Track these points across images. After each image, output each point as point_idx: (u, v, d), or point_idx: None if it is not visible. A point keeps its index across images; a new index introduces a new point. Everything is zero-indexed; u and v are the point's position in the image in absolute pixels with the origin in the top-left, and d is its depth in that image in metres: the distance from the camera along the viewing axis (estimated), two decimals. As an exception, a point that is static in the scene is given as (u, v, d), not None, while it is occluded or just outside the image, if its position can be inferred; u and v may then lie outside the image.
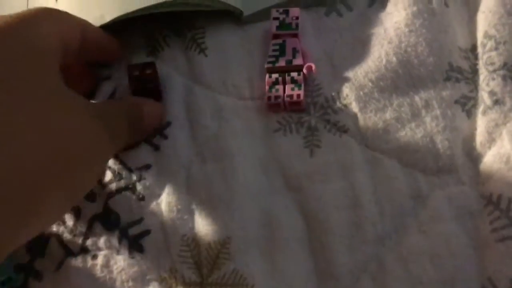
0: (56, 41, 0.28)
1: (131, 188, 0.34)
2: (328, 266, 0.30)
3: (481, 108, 0.33)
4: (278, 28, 0.37)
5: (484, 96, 0.33)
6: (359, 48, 0.36)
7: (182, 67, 0.37)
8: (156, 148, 0.34)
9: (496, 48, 0.34)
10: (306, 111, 0.35)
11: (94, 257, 0.33)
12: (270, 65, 0.36)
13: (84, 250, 0.33)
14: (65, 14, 0.31)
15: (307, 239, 0.31)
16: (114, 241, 0.33)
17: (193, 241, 0.32)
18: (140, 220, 0.33)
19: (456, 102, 0.33)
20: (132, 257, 0.32)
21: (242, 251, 0.31)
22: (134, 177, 0.34)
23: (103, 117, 0.28)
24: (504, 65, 0.33)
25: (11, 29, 0.25)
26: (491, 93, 0.33)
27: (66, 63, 0.29)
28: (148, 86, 0.35)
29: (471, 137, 0.32)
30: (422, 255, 0.29)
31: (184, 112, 0.36)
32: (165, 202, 0.33)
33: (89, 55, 0.34)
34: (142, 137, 0.35)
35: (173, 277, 0.32)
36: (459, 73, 0.34)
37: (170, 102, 0.36)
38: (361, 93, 0.34)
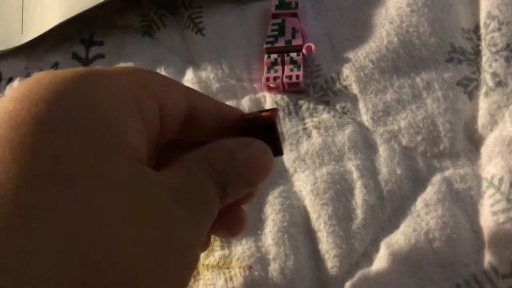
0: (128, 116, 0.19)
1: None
2: (327, 249, 0.29)
3: (483, 90, 0.32)
4: (277, 7, 0.36)
5: (486, 78, 0.32)
6: (360, 29, 0.35)
7: (178, 47, 0.37)
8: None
9: (499, 29, 0.33)
10: (305, 92, 0.34)
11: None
12: (269, 45, 0.35)
13: None
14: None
15: (305, 222, 0.31)
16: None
17: None
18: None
19: (458, 83, 0.33)
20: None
21: (239, 236, 0.30)
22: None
23: (184, 197, 0.20)
24: (507, 46, 0.32)
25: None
26: (494, 74, 0.32)
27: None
28: (264, 123, 0.24)
29: (473, 119, 0.32)
30: (422, 239, 0.29)
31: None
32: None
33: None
34: (237, 197, 0.23)
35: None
36: (461, 54, 0.33)
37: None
38: (362, 74, 0.33)
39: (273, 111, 0.25)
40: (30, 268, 0.14)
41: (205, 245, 0.28)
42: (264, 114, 0.25)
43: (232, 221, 0.26)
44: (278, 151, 0.24)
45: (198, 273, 0.31)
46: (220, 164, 0.21)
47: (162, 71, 0.37)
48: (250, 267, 0.30)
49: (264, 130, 0.24)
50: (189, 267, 0.20)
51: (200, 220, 0.20)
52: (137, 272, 0.17)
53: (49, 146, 0.16)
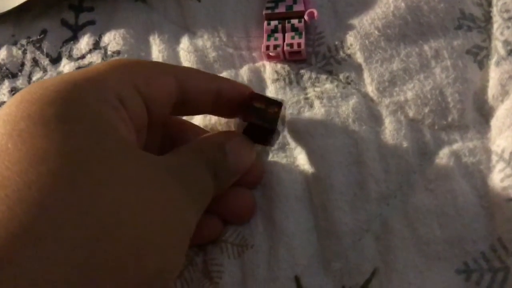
0: (114, 98, 0.22)
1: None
2: (329, 225, 0.28)
3: (494, 59, 0.31)
4: (277, -30, 0.34)
5: (497, 46, 0.31)
6: (365, -7, 0.33)
7: (172, 13, 0.35)
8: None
9: (512, -6, 0.31)
10: (307, 61, 0.33)
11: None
12: (269, 11, 0.33)
13: None
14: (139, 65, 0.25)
15: (308, 197, 0.29)
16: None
17: None
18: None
19: (467, 52, 0.31)
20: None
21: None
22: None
23: (181, 176, 0.23)
24: (521, 13, 0.31)
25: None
26: (506, 42, 0.31)
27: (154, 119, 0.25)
28: (265, 126, 0.27)
29: (483, 89, 0.30)
30: (429, 214, 0.28)
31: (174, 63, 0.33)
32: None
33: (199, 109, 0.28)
34: (226, 186, 0.27)
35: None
36: (471, 21, 0.32)
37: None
38: (367, 42, 0.32)
39: (279, 106, 0.27)
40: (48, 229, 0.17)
41: (215, 229, 0.29)
42: (270, 110, 0.27)
43: (242, 206, 0.29)
44: (269, 143, 0.29)
45: (200, 246, 0.30)
46: (212, 153, 0.25)
47: (155, 38, 0.35)
48: (252, 243, 0.29)
49: (264, 129, 0.27)
50: (185, 234, 0.22)
51: (195, 197, 0.23)
52: (138, 229, 0.19)
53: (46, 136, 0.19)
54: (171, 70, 0.26)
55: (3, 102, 0.37)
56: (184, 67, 0.27)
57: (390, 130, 0.30)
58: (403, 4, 0.32)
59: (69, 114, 0.19)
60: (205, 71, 0.30)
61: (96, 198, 0.18)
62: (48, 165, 0.18)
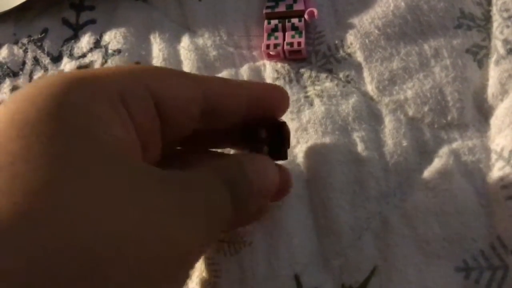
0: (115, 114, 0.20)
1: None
2: (329, 223, 0.28)
3: (493, 58, 0.31)
4: (278, -30, 0.34)
5: (497, 45, 0.31)
6: (365, -8, 0.33)
7: (173, 12, 0.35)
8: None
9: (512, -7, 0.31)
10: (307, 60, 0.33)
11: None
12: (269, 10, 0.33)
13: None
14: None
15: (308, 195, 0.29)
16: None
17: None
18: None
19: (467, 51, 0.31)
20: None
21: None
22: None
23: (180, 191, 0.20)
24: (520, 12, 0.31)
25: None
26: (505, 41, 0.31)
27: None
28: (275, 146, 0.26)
29: (483, 88, 0.31)
30: (428, 213, 0.28)
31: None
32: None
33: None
34: (251, 210, 0.24)
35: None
36: (471, 20, 0.32)
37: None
38: (367, 41, 0.32)
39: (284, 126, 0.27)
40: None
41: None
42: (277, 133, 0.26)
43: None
44: (283, 156, 0.27)
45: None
46: (231, 172, 0.22)
47: (156, 37, 0.36)
48: (250, 241, 0.29)
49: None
50: (169, 254, 0.18)
51: (198, 218, 0.20)
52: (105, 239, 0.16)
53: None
54: (197, 78, 0.24)
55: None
56: (210, 76, 0.25)
57: (389, 129, 0.30)
58: (403, 3, 0.32)
59: (55, 113, 0.18)
60: (208, 70, 0.29)
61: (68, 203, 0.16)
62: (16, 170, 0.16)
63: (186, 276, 0.21)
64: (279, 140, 0.27)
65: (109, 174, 0.17)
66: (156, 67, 0.24)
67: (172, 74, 0.23)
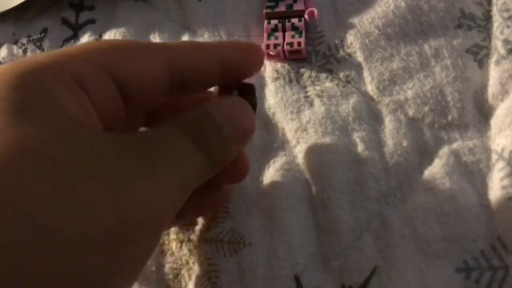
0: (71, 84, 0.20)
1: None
2: (329, 223, 0.28)
3: (494, 58, 0.31)
4: (277, -31, 0.34)
5: (497, 45, 0.31)
6: (365, -8, 0.33)
7: (173, 12, 0.35)
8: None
9: (512, -7, 0.31)
10: (307, 60, 0.33)
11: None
12: (269, 10, 0.33)
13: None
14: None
15: (308, 195, 0.29)
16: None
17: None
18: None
19: (467, 51, 0.31)
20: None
21: (241, 210, 0.29)
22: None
23: (146, 152, 0.20)
24: (521, 12, 0.31)
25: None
26: (506, 41, 0.30)
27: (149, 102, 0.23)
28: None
29: (483, 88, 0.30)
30: (428, 213, 0.28)
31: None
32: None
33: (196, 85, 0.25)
34: (228, 158, 0.24)
35: (165, 234, 0.31)
36: (472, 20, 0.32)
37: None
38: (367, 41, 0.32)
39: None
40: None
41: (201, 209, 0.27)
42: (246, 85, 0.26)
43: (234, 166, 0.25)
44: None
45: (195, 247, 0.30)
46: (196, 122, 0.22)
47: (156, 37, 0.35)
48: (249, 241, 0.29)
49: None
50: (138, 215, 0.18)
51: (168, 176, 0.20)
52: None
53: None
54: (163, 50, 0.23)
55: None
56: (176, 42, 0.24)
57: (390, 129, 0.30)
58: (403, 3, 0.32)
59: (12, 98, 0.18)
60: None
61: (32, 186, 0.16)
62: None
63: (157, 238, 0.20)
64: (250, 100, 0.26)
65: (69, 154, 0.18)
66: (116, 43, 0.23)
67: (132, 48, 0.22)
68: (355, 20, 0.32)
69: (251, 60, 0.26)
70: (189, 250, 0.30)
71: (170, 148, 0.20)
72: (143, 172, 0.19)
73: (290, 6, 0.33)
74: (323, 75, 0.32)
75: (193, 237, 0.30)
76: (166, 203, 0.20)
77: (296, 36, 0.32)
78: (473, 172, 0.28)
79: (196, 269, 0.29)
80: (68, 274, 0.16)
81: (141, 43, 0.23)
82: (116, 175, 0.18)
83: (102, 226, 0.17)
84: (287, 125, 0.31)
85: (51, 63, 0.20)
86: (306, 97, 0.31)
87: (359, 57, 0.32)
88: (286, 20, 0.33)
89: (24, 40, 0.39)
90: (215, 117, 0.22)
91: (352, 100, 0.31)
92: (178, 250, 0.30)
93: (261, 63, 0.26)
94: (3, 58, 0.39)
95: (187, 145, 0.21)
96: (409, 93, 0.30)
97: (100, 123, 0.21)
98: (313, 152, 0.30)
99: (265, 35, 0.33)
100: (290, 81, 0.32)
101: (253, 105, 0.25)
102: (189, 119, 0.22)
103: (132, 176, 0.18)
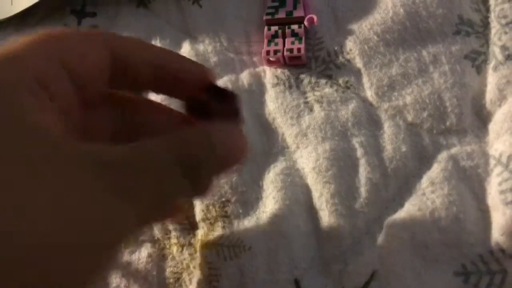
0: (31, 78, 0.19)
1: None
2: (329, 228, 0.29)
3: (492, 64, 0.31)
4: (278, -24, 0.34)
5: (495, 51, 0.31)
6: (364, -1, 0.34)
7: (174, 19, 0.35)
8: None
9: (509, 0, 0.31)
10: (306, 66, 0.33)
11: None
12: (269, 16, 0.34)
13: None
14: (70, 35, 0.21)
15: (307, 200, 0.30)
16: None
17: (188, 202, 0.30)
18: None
19: (465, 57, 0.31)
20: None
21: (240, 214, 0.30)
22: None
23: (121, 171, 0.18)
24: (518, 18, 0.31)
25: None
26: (503, 47, 0.31)
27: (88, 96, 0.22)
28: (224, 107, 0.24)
29: (481, 94, 0.31)
30: (427, 218, 0.28)
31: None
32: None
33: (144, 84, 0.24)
34: (208, 186, 0.22)
35: (166, 238, 0.31)
36: (470, 27, 0.32)
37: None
38: (366, 47, 0.32)
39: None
40: None
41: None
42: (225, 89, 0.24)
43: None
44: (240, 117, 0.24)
45: (196, 251, 0.30)
46: (193, 145, 0.20)
47: (157, 43, 0.36)
48: (249, 246, 0.29)
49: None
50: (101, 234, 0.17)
51: (140, 202, 0.18)
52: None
53: None
54: (103, 38, 0.22)
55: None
56: (124, 36, 0.23)
57: (389, 134, 0.30)
58: (402, 10, 0.32)
59: None
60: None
61: None
62: None
63: (109, 253, 0.19)
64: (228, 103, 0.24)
65: (35, 163, 0.17)
66: (65, 33, 0.21)
67: (83, 39, 0.22)
68: (355, 27, 0.33)
69: (195, 73, 0.24)
70: (190, 254, 0.30)
71: (153, 170, 0.19)
72: (116, 195, 0.18)
73: (290, 13, 0.33)
74: (323, 81, 0.32)
75: (194, 241, 0.30)
76: (136, 225, 0.19)
77: (296, 42, 0.33)
78: (471, 177, 0.29)
79: (197, 273, 0.30)
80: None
81: (85, 32, 0.22)
82: (68, 183, 0.17)
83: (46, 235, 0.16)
84: (287, 130, 0.31)
85: (14, 67, 0.19)
86: (306, 102, 0.32)
87: (358, 63, 0.32)
88: (286, 27, 0.33)
89: (27, 46, 0.40)
90: (215, 141, 0.21)
91: (352, 106, 0.31)
92: (179, 254, 0.30)
93: (201, 67, 0.25)
94: (6, 64, 0.39)
95: (173, 169, 0.19)
96: (408, 99, 0.31)
97: (63, 126, 0.20)
98: (312, 157, 0.30)
99: (265, 41, 0.33)
100: (290, 86, 0.32)
101: (234, 112, 0.24)
102: (185, 138, 0.21)
103: (101, 200, 0.17)
